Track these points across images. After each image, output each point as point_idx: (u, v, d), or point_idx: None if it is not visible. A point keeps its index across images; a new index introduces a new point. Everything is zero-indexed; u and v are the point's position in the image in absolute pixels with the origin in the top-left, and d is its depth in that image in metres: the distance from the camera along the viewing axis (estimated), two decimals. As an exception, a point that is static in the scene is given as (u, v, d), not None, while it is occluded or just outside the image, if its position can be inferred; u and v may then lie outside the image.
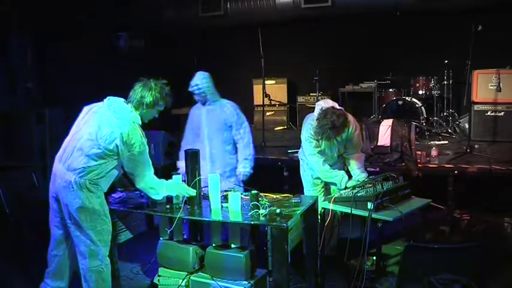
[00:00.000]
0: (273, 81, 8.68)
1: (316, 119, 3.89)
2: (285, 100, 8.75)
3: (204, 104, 4.58)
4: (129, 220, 3.85)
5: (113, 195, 3.76)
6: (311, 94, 8.42)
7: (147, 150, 3.31)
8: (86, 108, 3.41)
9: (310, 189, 4.37)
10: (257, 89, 8.58)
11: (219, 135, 4.56)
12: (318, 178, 4.28)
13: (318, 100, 7.94)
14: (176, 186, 3.48)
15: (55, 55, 7.17)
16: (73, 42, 7.39)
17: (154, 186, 3.38)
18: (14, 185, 5.32)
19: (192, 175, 3.47)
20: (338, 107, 3.97)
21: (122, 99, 3.33)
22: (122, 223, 3.80)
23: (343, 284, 3.98)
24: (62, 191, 3.27)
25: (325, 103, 4.04)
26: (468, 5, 6.83)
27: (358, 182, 3.95)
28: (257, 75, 7.81)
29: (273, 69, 7.97)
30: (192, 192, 3.45)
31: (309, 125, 4.09)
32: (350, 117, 4.08)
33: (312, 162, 4.17)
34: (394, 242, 4.64)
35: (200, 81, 4.48)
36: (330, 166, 4.15)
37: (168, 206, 3.53)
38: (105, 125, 3.22)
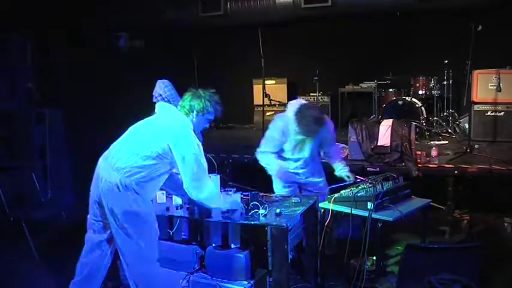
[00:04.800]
0: (273, 81, 8.67)
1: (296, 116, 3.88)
2: (285, 100, 8.69)
3: None
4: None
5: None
6: (311, 94, 8.40)
7: (203, 154, 3.17)
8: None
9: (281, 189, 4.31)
10: (257, 89, 8.58)
11: None
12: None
13: (317, 100, 7.98)
14: (225, 200, 3.41)
15: (55, 55, 7.17)
16: (73, 42, 7.40)
17: (216, 196, 3.30)
18: (14, 185, 5.32)
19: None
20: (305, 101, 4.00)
21: (173, 106, 3.30)
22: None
23: (343, 284, 3.97)
24: (106, 195, 3.07)
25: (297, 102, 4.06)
26: (468, 5, 6.82)
27: (349, 179, 4.07)
28: (257, 75, 7.80)
29: (273, 69, 7.96)
30: (237, 206, 3.40)
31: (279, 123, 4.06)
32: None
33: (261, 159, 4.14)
34: (394, 242, 4.64)
35: (162, 90, 4.28)
36: (303, 168, 4.16)
37: (167, 206, 3.53)
38: (157, 127, 3.16)
